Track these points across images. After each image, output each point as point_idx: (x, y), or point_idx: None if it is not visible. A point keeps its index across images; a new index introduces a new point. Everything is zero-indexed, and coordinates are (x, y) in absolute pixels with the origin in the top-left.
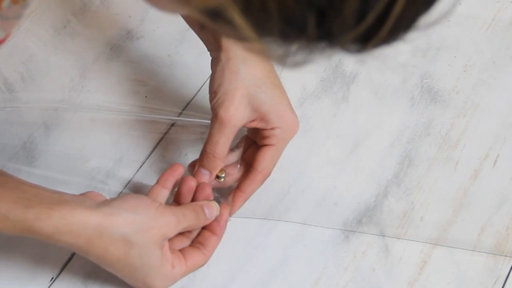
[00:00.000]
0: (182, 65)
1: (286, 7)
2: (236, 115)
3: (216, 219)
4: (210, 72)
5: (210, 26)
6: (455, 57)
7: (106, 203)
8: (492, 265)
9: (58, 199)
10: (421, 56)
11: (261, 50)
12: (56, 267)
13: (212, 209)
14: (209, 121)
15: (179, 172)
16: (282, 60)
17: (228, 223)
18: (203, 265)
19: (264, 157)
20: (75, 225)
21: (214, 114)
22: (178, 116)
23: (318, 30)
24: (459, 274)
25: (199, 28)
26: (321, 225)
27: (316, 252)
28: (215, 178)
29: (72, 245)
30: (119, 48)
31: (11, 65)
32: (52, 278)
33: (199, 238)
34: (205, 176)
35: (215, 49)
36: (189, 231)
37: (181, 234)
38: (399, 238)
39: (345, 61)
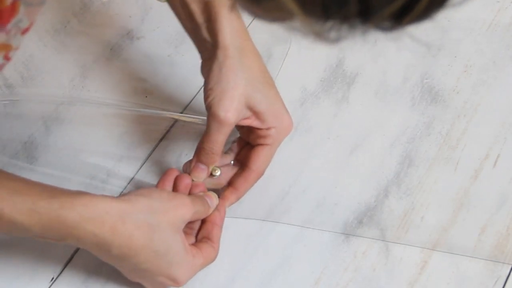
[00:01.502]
0: (183, 65)
1: None
2: (234, 114)
3: (217, 209)
4: None
5: (248, 4)
6: (455, 57)
7: (121, 195)
8: (492, 265)
9: (77, 192)
10: (422, 56)
11: (298, 27)
12: (57, 267)
13: (212, 198)
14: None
15: (174, 174)
16: (318, 37)
17: (228, 223)
18: (214, 258)
19: (259, 157)
20: (99, 211)
21: (212, 112)
22: (179, 116)
23: (358, 5)
24: (459, 275)
25: (194, 28)
26: (321, 226)
27: (316, 252)
28: (209, 175)
29: (97, 237)
30: (120, 48)
31: (12, 65)
32: (53, 278)
33: (202, 233)
34: (203, 171)
35: (209, 48)
36: (191, 228)
37: (185, 231)
38: (399, 243)
39: (346, 61)
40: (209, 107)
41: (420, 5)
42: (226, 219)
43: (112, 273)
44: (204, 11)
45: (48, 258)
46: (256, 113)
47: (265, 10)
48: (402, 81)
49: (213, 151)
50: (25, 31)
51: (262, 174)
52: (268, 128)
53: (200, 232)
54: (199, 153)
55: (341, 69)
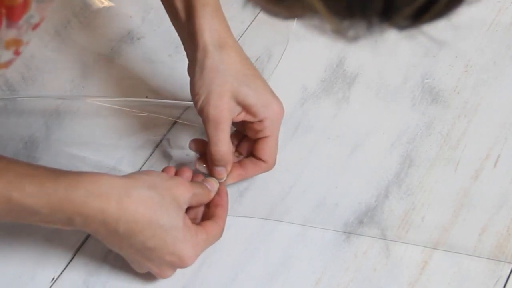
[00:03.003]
0: (183, 65)
1: None
2: (227, 110)
3: (218, 193)
4: None
5: (267, 2)
6: (456, 57)
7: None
8: (493, 265)
9: (82, 171)
10: (422, 56)
11: (317, 24)
12: (58, 267)
13: (211, 182)
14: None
15: (173, 170)
16: (337, 35)
17: (229, 222)
18: (219, 236)
19: (267, 148)
20: (104, 187)
21: (205, 115)
22: (179, 116)
23: (382, 3)
24: (460, 275)
25: (179, 27)
26: (321, 226)
27: (317, 252)
28: None
29: (104, 213)
30: (120, 48)
31: (12, 65)
32: (54, 278)
33: (206, 215)
34: (223, 172)
35: (191, 48)
36: (195, 218)
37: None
38: (400, 242)
39: (346, 61)
40: (200, 111)
41: (440, 4)
42: (227, 218)
43: (112, 273)
44: (186, 9)
45: (49, 258)
46: (246, 107)
47: (287, 8)
48: (403, 81)
49: (222, 151)
50: (35, 27)
51: (274, 164)
52: (261, 120)
53: (204, 215)
54: (211, 158)
55: (342, 69)
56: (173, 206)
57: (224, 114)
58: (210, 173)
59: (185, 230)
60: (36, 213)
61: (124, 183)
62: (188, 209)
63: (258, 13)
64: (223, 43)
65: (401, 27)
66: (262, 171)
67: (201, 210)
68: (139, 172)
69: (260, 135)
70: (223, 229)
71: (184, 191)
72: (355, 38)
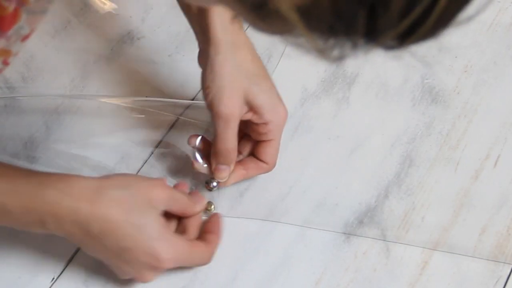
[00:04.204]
0: (183, 65)
1: (339, 1)
2: (237, 108)
3: (211, 220)
4: None
5: (251, 18)
6: (456, 57)
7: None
8: (493, 265)
9: (54, 172)
10: (422, 56)
11: (302, 43)
12: (58, 267)
13: (196, 195)
14: (209, 124)
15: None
16: (321, 54)
17: (229, 223)
18: (206, 259)
19: (270, 151)
20: (76, 186)
21: (215, 112)
22: (179, 116)
23: (365, 26)
24: (460, 275)
25: (190, 18)
26: (321, 226)
27: (317, 253)
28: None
29: (76, 213)
30: (120, 48)
31: (12, 65)
32: (53, 278)
33: (198, 239)
34: (225, 170)
35: (203, 41)
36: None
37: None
38: (399, 243)
39: (346, 61)
40: (210, 107)
41: (426, 26)
42: (226, 218)
43: (112, 274)
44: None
45: (49, 258)
46: (254, 108)
47: (269, 25)
48: (403, 81)
49: (228, 149)
50: (25, 38)
51: (274, 166)
52: (266, 123)
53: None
54: (216, 155)
55: (342, 69)
56: (146, 205)
57: (235, 113)
58: (212, 172)
59: (160, 229)
60: (9, 213)
61: (96, 184)
62: (172, 220)
63: None
64: (236, 39)
65: (387, 47)
66: (262, 172)
67: (192, 230)
68: (114, 173)
69: (263, 138)
70: (212, 254)
71: (160, 192)
72: (339, 58)
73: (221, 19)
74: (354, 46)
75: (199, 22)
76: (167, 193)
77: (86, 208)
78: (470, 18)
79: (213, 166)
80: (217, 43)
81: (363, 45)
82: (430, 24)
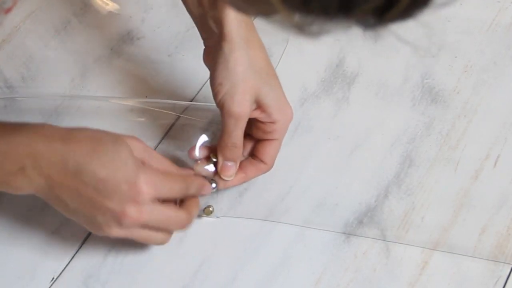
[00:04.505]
0: (183, 65)
1: None
2: (248, 107)
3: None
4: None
5: None
6: (455, 57)
7: None
8: (492, 265)
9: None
10: (422, 56)
11: (279, 20)
12: (57, 267)
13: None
14: (208, 122)
15: None
16: (299, 30)
17: (228, 223)
18: (184, 217)
19: (269, 151)
20: (48, 129)
21: (227, 110)
22: (178, 117)
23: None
24: (460, 275)
25: (201, 14)
26: (321, 226)
27: (317, 253)
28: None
29: (51, 150)
30: (120, 48)
31: (12, 65)
32: (53, 278)
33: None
34: (232, 167)
35: (215, 38)
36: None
37: None
38: (399, 243)
39: (346, 61)
40: (222, 104)
41: (402, 2)
42: (226, 219)
43: (112, 273)
44: None
45: (49, 258)
46: (262, 106)
47: (247, 3)
48: (403, 81)
49: (236, 145)
50: (8, 11)
51: (272, 166)
52: (272, 122)
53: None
54: (224, 151)
55: (342, 69)
56: (119, 140)
57: (246, 112)
58: (218, 172)
59: (135, 159)
60: None
61: (67, 128)
62: None
63: None
64: (249, 37)
65: (366, 25)
66: (261, 173)
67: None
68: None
69: (267, 137)
70: (192, 214)
71: (133, 139)
72: (317, 34)
73: (235, 15)
74: (331, 21)
75: (213, 17)
76: (141, 142)
77: (59, 146)
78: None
79: (220, 163)
80: (232, 39)
81: (340, 20)
82: (406, 0)
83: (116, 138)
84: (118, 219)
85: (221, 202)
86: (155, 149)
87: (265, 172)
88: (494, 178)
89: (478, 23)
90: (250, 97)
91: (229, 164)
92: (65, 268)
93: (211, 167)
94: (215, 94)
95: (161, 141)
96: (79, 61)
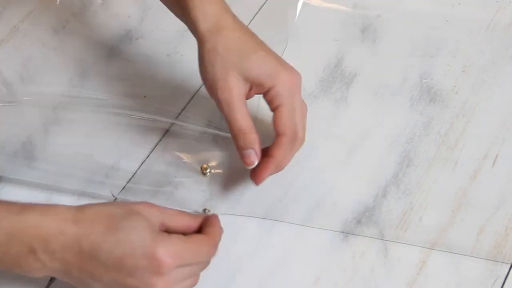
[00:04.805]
0: (182, 65)
1: None
2: (235, 89)
3: (208, 218)
4: None
5: None
6: (454, 57)
7: None
8: (491, 265)
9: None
10: (420, 56)
11: None
12: None
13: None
14: (207, 124)
15: None
16: None
17: (227, 222)
18: (210, 251)
19: (277, 119)
20: (58, 208)
21: (216, 100)
22: (177, 116)
23: None
24: (458, 275)
25: (182, 20)
26: (320, 226)
27: (315, 252)
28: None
29: (63, 232)
30: (118, 48)
31: (11, 65)
32: (52, 278)
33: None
34: (252, 155)
35: (193, 32)
36: None
37: None
38: (398, 242)
39: (344, 61)
40: (212, 97)
41: None
42: (225, 216)
43: None
44: (180, 1)
45: None
46: (252, 81)
47: None
48: (401, 81)
49: (244, 130)
50: None
51: (294, 135)
52: (269, 89)
53: None
54: (235, 140)
55: (340, 69)
56: (132, 212)
57: (233, 94)
58: (242, 160)
59: (151, 230)
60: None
61: (76, 206)
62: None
63: (257, 13)
64: (219, 26)
65: None
66: (284, 148)
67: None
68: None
69: (273, 105)
70: (214, 245)
71: (146, 206)
72: None
73: (202, 10)
74: None
75: (186, 16)
76: (154, 205)
77: (71, 228)
78: None
79: (240, 154)
80: (201, 35)
81: None
82: None
83: (128, 211)
84: None
85: (221, 202)
86: (155, 147)
87: (291, 144)
88: (492, 178)
89: (477, 23)
90: (233, 79)
91: (247, 152)
92: None
93: None
94: (206, 88)
95: (160, 140)
96: (77, 61)
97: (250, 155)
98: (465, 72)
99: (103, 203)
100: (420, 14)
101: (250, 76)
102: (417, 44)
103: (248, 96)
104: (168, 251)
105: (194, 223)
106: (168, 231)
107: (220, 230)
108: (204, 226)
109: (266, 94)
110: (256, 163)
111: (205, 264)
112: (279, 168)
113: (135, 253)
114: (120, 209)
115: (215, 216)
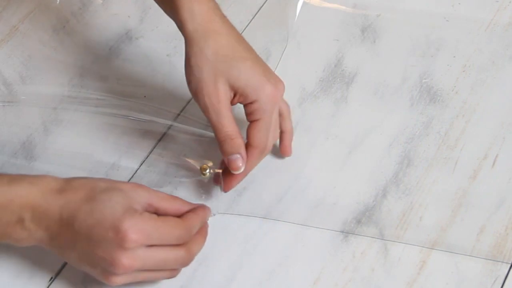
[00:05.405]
0: (181, 64)
1: None
2: (222, 95)
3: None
4: None
5: None
6: (454, 57)
7: None
8: (491, 265)
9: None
10: (420, 56)
11: None
12: (56, 266)
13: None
14: (206, 124)
15: None
16: None
17: (227, 222)
18: (183, 236)
19: (254, 132)
20: (46, 179)
21: (202, 105)
22: (177, 116)
23: None
24: (458, 274)
25: (171, 15)
26: (320, 225)
27: (315, 252)
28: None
29: (48, 201)
30: (118, 48)
31: (11, 65)
32: (52, 277)
33: None
34: (238, 160)
35: (181, 31)
36: None
37: None
38: (398, 242)
39: (344, 61)
40: (196, 101)
41: None
42: (224, 218)
43: None
44: (170, 3)
45: (47, 257)
46: (236, 90)
47: None
48: (401, 81)
49: (230, 137)
50: None
51: (264, 148)
52: (251, 103)
53: None
54: (222, 146)
55: (340, 69)
56: (113, 186)
57: (220, 100)
58: (229, 166)
59: (128, 206)
60: None
61: (66, 178)
62: None
63: (257, 13)
64: (207, 28)
65: None
66: (256, 159)
67: None
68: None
69: (251, 118)
70: (188, 231)
71: (133, 185)
72: None
73: (190, 12)
74: None
75: (174, 18)
76: (143, 186)
77: (56, 197)
78: None
79: (225, 160)
80: (189, 36)
81: None
82: None
83: (110, 185)
84: (111, 268)
85: (220, 202)
86: (154, 147)
87: (260, 156)
88: (492, 178)
89: (477, 22)
90: (220, 85)
91: (233, 157)
92: (63, 267)
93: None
94: (190, 92)
95: (160, 140)
96: (77, 60)
97: (236, 160)
98: (465, 72)
99: (93, 178)
100: (420, 14)
101: (235, 85)
102: (417, 44)
103: (232, 103)
104: (135, 226)
105: (185, 209)
106: (157, 213)
107: (199, 217)
108: (187, 212)
109: (247, 106)
110: (242, 168)
111: (180, 262)
112: (245, 176)
113: (104, 224)
114: (105, 184)
115: (202, 206)
